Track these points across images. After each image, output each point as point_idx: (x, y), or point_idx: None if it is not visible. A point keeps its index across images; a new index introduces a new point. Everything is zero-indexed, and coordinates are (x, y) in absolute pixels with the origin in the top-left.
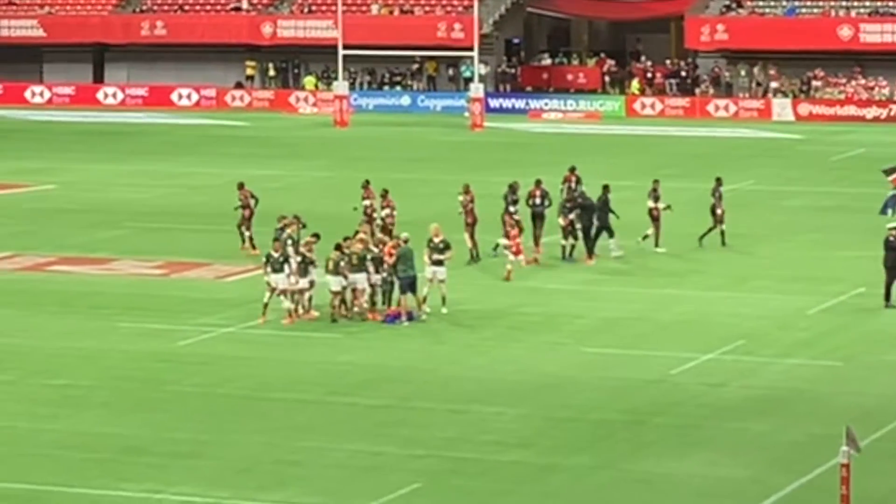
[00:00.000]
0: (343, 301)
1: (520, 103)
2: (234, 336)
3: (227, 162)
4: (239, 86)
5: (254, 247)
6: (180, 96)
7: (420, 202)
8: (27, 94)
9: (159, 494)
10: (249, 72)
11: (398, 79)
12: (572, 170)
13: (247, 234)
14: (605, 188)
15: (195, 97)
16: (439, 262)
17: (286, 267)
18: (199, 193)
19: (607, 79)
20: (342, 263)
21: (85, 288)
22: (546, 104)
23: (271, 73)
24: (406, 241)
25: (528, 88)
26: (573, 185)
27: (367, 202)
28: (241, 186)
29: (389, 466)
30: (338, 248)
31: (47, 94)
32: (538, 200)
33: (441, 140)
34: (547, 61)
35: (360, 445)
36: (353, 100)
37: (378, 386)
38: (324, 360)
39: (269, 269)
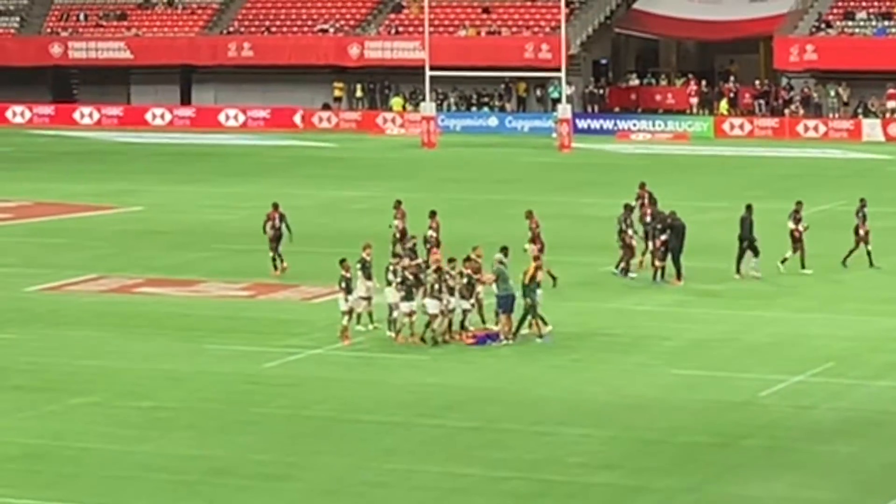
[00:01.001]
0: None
1: (608, 124)
2: (320, 358)
3: (314, 183)
4: (326, 107)
5: (277, 265)
6: (258, 117)
7: (508, 223)
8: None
9: None
10: (337, 93)
11: (486, 100)
12: (642, 185)
13: (273, 255)
14: (749, 208)
15: (279, 118)
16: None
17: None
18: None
19: (695, 100)
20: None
21: (172, 310)
22: (634, 125)
23: (359, 94)
24: (501, 262)
25: (616, 109)
26: (646, 201)
27: (396, 222)
28: (275, 207)
29: (476, 488)
30: (437, 270)
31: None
32: (648, 219)
33: (529, 161)
34: (635, 82)
35: (446, 467)
36: (440, 121)
37: (465, 407)
38: (411, 381)
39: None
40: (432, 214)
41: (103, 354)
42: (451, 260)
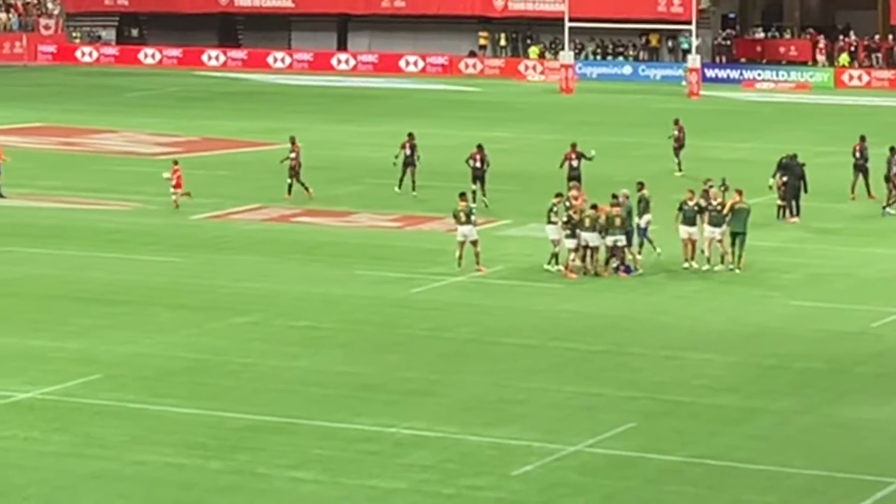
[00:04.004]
0: (583, 258)
1: (734, 74)
2: (463, 284)
3: (460, 124)
4: (472, 54)
5: (308, 191)
6: (410, 63)
7: (637, 163)
8: (269, 60)
9: (392, 428)
10: (482, 42)
11: (621, 50)
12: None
13: (297, 182)
14: (892, 150)
15: (432, 64)
16: (719, 223)
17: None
18: (433, 153)
19: (822, 57)
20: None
21: (326, 238)
22: (759, 75)
23: (502, 42)
24: (627, 198)
25: (742, 60)
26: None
27: (406, 151)
28: (292, 141)
29: (606, 407)
30: (594, 207)
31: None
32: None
33: (660, 107)
34: (760, 35)
35: (579, 387)
36: (578, 68)
37: (597, 333)
38: (546, 308)
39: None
40: (579, 157)
41: (263, 278)
42: (594, 206)
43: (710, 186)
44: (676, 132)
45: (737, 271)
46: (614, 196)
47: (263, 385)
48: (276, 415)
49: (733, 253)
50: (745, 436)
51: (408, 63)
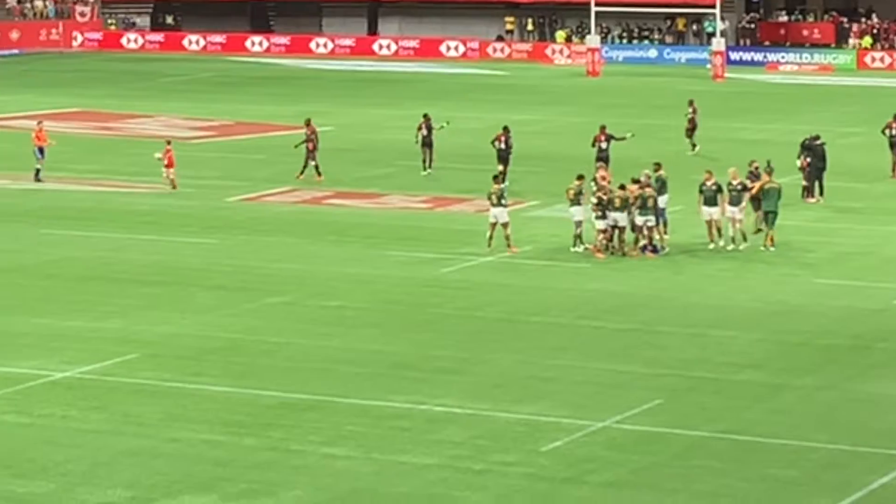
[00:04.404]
0: (610, 238)
1: (758, 56)
2: (493, 264)
3: (488, 107)
4: (500, 39)
5: (319, 173)
6: (448, 48)
7: (663, 145)
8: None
9: (423, 405)
10: (509, 26)
11: (646, 33)
12: None
13: (312, 164)
14: None
15: (461, 49)
16: (738, 202)
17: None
18: (463, 135)
19: (853, 40)
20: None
21: (358, 219)
22: (782, 57)
23: (529, 27)
24: (664, 180)
25: (766, 43)
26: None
27: (423, 132)
28: (307, 123)
29: (633, 384)
30: (622, 188)
31: (330, 45)
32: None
33: (685, 89)
34: (784, 18)
35: (606, 364)
36: (604, 52)
37: (624, 311)
38: (574, 287)
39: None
40: (608, 138)
41: (296, 259)
42: (622, 187)
43: (756, 168)
44: (691, 113)
45: (771, 249)
46: (635, 180)
47: (297, 364)
48: (309, 392)
49: (766, 231)
50: (770, 411)
51: (448, 48)
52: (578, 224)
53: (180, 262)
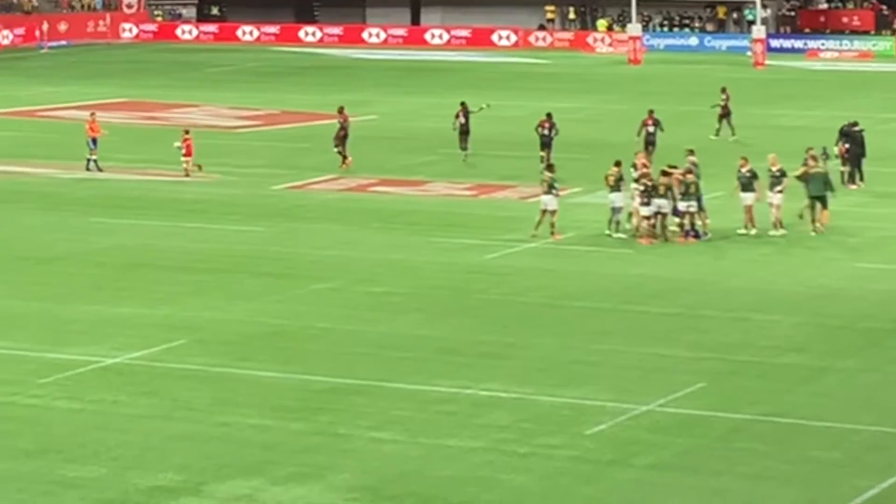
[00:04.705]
0: (654, 224)
1: (798, 44)
2: (536, 250)
3: (531, 95)
4: (542, 27)
5: (343, 162)
6: (500, 37)
7: (705, 132)
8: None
9: (468, 390)
10: (550, 15)
11: (687, 21)
12: None
13: (336, 150)
14: None
15: (513, 38)
16: (779, 190)
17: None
18: (505, 123)
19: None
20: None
21: (403, 206)
22: (823, 44)
23: (571, 16)
24: (696, 165)
25: (806, 30)
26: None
27: (461, 119)
28: (340, 111)
29: (677, 368)
30: (664, 174)
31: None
32: None
33: (726, 77)
34: (824, 5)
35: (650, 348)
36: (645, 40)
37: (667, 296)
38: (616, 272)
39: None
40: (655, 123)
41: (341, 245)
42: (664, 173)
43: (812, 154)
44: (724, 100)
45: (821, 232)
46: (671, 166)
47: (343, 349)
48: (356, 377)
49: (812, 216)
50: (812, 394)
51: (500, 38)
52: (617, 210)
53: (227, 249)
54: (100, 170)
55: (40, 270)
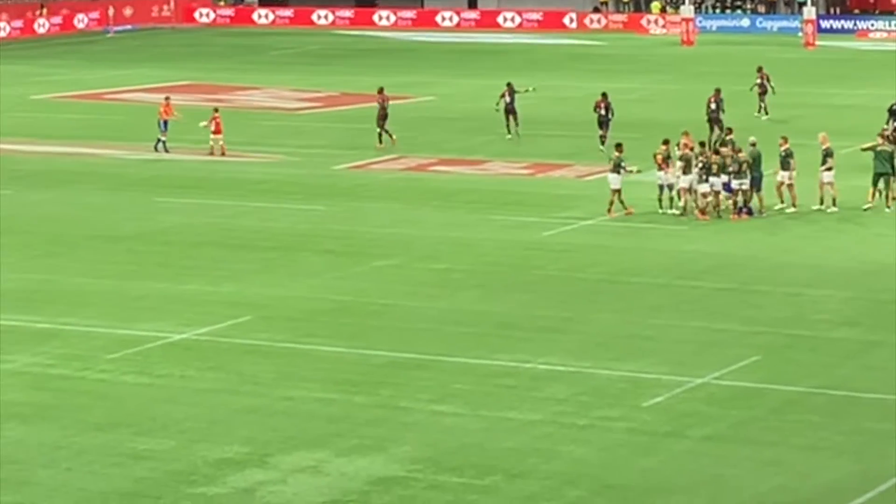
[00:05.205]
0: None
1: (848, 24)
2: (593, 227)
3: (586, 76)
4: (596, 10)
5: (381, 141)
6: (570, 20)
7: (755, 111)
8: (438, 19)
9: (528, 364)
10: None
11: (739, 3)
12: None
13: (378, 131)
14: None
15: (594, 22)
16: (829, 168)
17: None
18: (562, 104)
19: None
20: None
21: (462, 185)
22: (872, 25)
23: None
24: (754, 145)
25: (856, 11)
26: None
27: (507, 99)
28: (380, 91)
29: (731, 342)
30: (716, 153)
31: (456, 19)
32: None
33: (777, 57)
34: None
35: (705, 323)
36: (698, 22)
37: (721, 271)
38: (672, 248)
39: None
40: (719, 101)
41: (402, 223)
42: (716, 152)
43: (885, 134)
44: (760, 80)
45: (886, 210)
46: (723, 143)
47: (405, 324)
48: (417, 352)
49: (880, 192)
50: (864, 367)
51: (570, 20)
52: (667, 188)
53: (290, 227)
54: (167, 151)
55: (109, 249)
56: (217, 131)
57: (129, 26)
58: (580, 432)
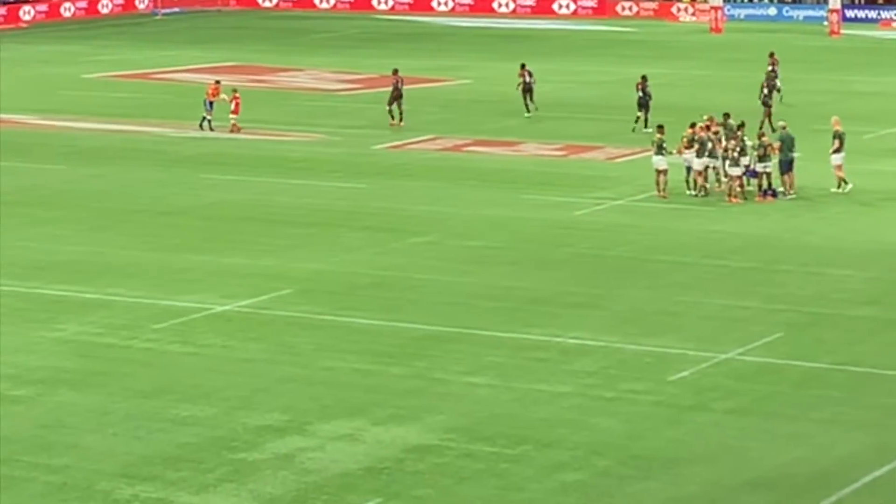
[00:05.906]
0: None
1: (872, 14)
2: (622, 207)
3: (618, 62)
4: None
5: (392, 119)
6: (623, 8)
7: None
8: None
9: (558, 338)
10: None
11: None
12: None
13: (392, 109)
14: None
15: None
16: (835, 150)
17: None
18: (594, 88)
19: None
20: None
21: (496, 165)
22: (895, 15)
23: None
24: (785, 128)
25: (880, 1)
26: None
27: (526, 78)
28: (395, 72)
29: (754, 319)
30: (760, 137)
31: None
32: None
33: (803, 45)
34: None
35: (729, 300)
36: (726, 10)
37: (745, 251)
38: (698, 228)
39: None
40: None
41: (438, 202)
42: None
43: None
44: (771, 65)
45: None
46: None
47: (440, 298)
48: (452, 325)
49: None
50: (884, 344)
51: (623, 9)
52: (692, 170)
53: (330, 204)
54: (212, 130)
55: (154, 223)
56: (235, 111)
57: (176, 9)
58: (608, 404)
